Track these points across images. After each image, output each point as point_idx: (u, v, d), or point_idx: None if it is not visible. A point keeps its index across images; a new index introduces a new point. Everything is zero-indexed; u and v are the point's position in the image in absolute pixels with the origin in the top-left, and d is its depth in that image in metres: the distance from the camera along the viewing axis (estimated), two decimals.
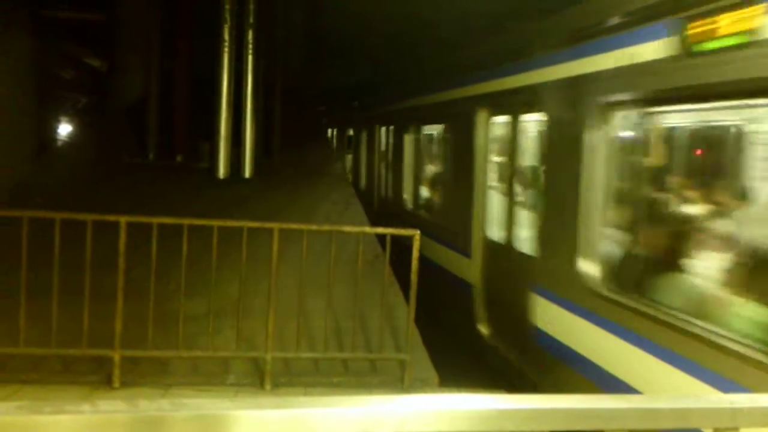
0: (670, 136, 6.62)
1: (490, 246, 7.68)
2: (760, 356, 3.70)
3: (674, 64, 4.43)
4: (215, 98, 12.89)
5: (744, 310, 4.31)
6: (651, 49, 4.69)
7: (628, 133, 5.42)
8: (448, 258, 9.14)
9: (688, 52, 4.31)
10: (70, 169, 12.73)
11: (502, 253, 7.30)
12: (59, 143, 22.12)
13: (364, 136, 17.24)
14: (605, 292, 5.20)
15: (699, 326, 4.25)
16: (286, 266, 6.12)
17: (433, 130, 11.58)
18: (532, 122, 7.04)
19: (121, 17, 16.03)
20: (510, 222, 7.17)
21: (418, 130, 11.74)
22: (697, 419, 1.60)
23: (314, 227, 6.26)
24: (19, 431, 1.27)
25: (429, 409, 1.50)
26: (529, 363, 6.50)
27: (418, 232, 6.24)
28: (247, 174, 13.36)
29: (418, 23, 14.05)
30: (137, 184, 11.82)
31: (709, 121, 6.67)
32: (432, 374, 6.43)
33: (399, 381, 6.18)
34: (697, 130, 6.87)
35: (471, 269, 8.08)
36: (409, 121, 12.03)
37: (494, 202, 7.84)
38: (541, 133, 6.61)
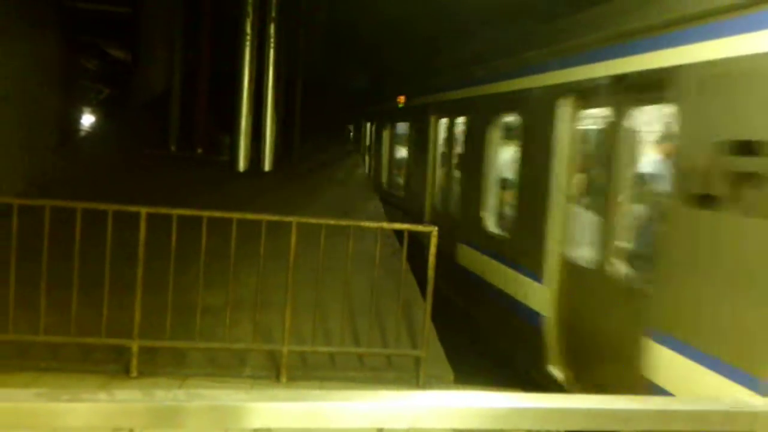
0: None
1: (572, 269, 6.37)
2: None
3: None
4: (236, 92, 12.96)
5: None
6: None
7: None
8: (507, 279, 7.62)
9: None
10: (92, 160, 12.85)
11: (591, 281, 6.01)
12: (82, 134, 22.34)
13: (412, 130, 14.21)
14: None
15: None
16: (303, 260, 6.14)
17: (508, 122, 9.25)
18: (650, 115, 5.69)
19: (145, 10, 16.15)
20: (607, 242, 5.77)
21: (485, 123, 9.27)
22: (714, 422, 1.58)
23: (332, 222, 6.26)
24: (36, 418, 1.28)
25: (443, 405, 1.50)
26: None
27: (436, 228, 6.22)
28: (267, 167, 13.43)
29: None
30: (158, 175, 11.91)
31: None
32: (447, 371, 6.42)
33: (414, 377, 6.18)
34: None
35: (542, 296, 6.71)
36: (465, 113, 10.02)
37: (582, 216, 6.43)
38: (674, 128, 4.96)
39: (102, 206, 5.78)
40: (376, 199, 12.80)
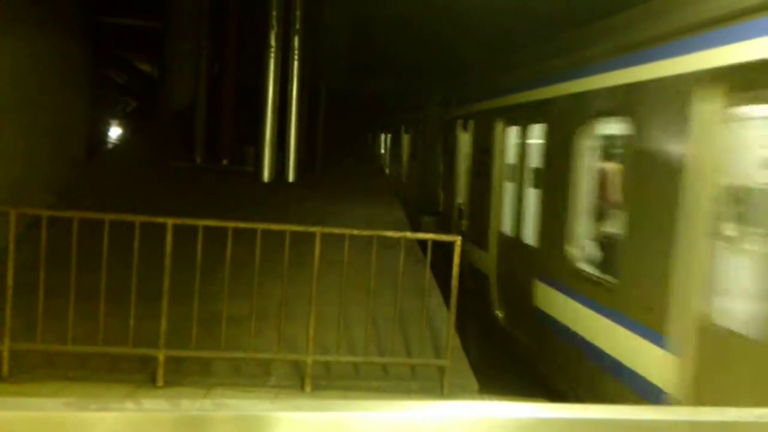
0: None
1: None
2: None
3: None
4: (261, 103, 13.05)
5: None
6: None
7: None
8: None
9: None
10: (119, 171, 12.99)
11: None
12: (109, 145, 22.63)
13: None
14: None
15: None
16: (327, 270, 6.16)
17: None
18: None
19: (172, 24, 16.35)
20: None
21: None
22: None
23: (356, 231, 6.28)
24: (65, 427, 1.30)
25: (469, 415, 1.49)
26: None
27: (460, 237, 6.23)
28: (291, 178, 13.48)
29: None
30: (184, 186, 12.01)
31: None
32: (471, 381, 6.39)
33: (438, 387, 6.17)
34: None
35: None
36: None
37: None
38: None
39: (129, 218, 5.85)
40: (399, 208, 12.80)
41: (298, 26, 13.39)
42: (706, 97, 4.70)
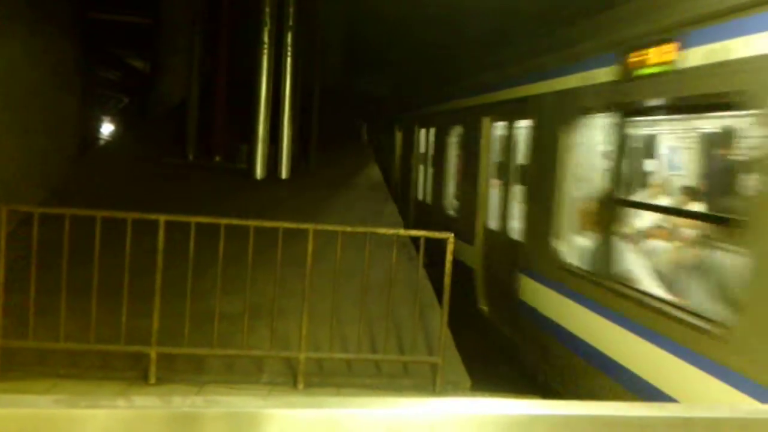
0: None
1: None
2: None
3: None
4: (254, 100, 13.00)
5: None
6: None
7: None
8: None
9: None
10: (111, 168, 12.95)
11: None
12: (101, 142, 22.56)
13: None
14: None
15: None
16: (320, 267, 6.15)
17: None
18: None
19: (164, 20, 16.29)
20: None
21: None
22: (732, 430, 1.57)
23: (349, 229, 6.27)
24: (55, 424, 1.29)
25: (460, 412, 1.49)
26: None
27: (452, 234, 6.23)
28: (284, 175, 13.45)
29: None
30: (176, 183, 11.98)
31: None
32: (464, 378, 6.40)
33: (431, 384, 6.17)
34: None
35: None
36: None
37: None
38: None
39: (121, 214, 5.83)
40: (393, 205, 12.82)
41: (291, 23, 13.35)
42: (485, 117, 9.72)
